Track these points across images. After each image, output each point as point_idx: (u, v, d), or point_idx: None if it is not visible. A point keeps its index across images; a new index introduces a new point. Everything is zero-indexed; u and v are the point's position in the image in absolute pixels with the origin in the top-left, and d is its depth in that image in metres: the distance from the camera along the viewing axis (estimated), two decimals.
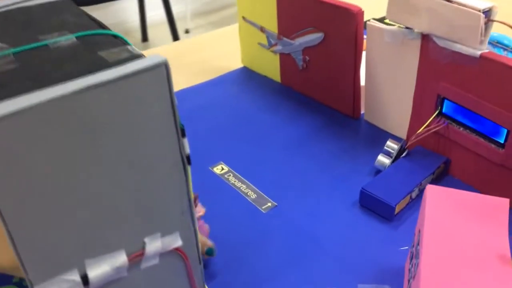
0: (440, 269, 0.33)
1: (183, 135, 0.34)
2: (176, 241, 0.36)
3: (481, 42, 0.46)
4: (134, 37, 2.32)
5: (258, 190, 0.53)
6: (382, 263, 0.45)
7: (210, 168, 0.57)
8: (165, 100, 0.31)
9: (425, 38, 0.50)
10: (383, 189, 0.49)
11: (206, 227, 0.45)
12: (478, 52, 0.46)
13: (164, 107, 0.31)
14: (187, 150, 0.34)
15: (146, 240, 0.35)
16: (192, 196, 0.36)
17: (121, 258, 0.33)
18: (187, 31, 2.29)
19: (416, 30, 0.51)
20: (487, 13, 0.45)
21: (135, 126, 0.30)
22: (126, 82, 0.28)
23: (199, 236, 0.42)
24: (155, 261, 0.36)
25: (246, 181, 0.55)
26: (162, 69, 0.30)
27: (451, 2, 0.46)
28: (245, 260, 0.46)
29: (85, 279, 0.32)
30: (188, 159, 0.35)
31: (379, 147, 0.57)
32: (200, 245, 0.42)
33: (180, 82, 0.74)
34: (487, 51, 0.46)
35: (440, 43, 0.49)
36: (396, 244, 0.47)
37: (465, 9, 0.45)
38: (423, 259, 0.34)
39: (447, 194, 0.38)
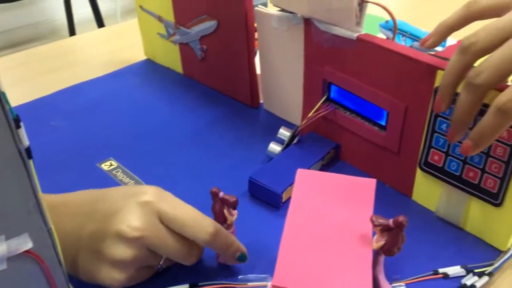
0: (297, 253, 0.32)
1: (18, 126, 0.31)
2: (25, 244, 0.33)
3: (357, 24, 0.45)
4: (61, 36, 2.23)
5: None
6: (265, 253, 0.44)
7: (98, 165, 0.54)
8: None
9: (307, 22, 0.50)
10: (270, 177, 0.48)
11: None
12: (355, 35, 0.46)
13: None
14: (26, 142, 0.31)
15: None
16: (40, 192, 0.33)
17: None
18: None
19: (298, 15, 0.50)
20: None
21: None
22: None
23: (235, 240, 0.40)
24: (2, 266, 0.33)
25: (135, 177, 0.52)
26: None
27: None
28: None
29: None
30: (28, 153, 0.32)
31: (275, 136, 0.56)
32: (233, 248, 0.39)
33: (81, 75, 0.70)
34: (363, 33, 0.46)
35: (321, 26, 0.48)
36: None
37: None
38: (282, 242, 0.32)
39: (315, 177, 0.38)
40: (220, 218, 0.40)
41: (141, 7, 0.69)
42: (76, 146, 0.56)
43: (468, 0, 0.40)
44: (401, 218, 0.32)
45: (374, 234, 0.34)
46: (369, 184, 0.37)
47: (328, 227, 0.34)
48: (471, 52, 0.36)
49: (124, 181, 0.51)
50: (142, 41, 0.73)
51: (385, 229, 0.33)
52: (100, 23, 1.91)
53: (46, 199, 0.39)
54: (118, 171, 0.53)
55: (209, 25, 0.60)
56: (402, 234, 0.33)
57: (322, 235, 0.34)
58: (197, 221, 0.37)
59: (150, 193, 0.37)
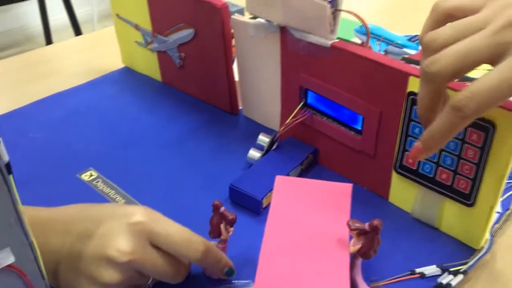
0: (277, 259, 0.33)
1: None
2: (7, 258, 0.33)
3: (332, 32, 0.46)
4: (37, 43, 2.20)
5: (127, 195, 0.51)
6: (248, 258, 0.44)
7: (78, 176, 0.54)
8: None
9: (283, 30, 0.50)
10: (250, 184, 0.49)
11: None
12: (329, 42, 0.47)
13: None
14: (5, 158, 0.32)
15: None
16: (20, 206, 0.33)
17: None
18: None
19: (274, 23, 0.51)
20: (333, 2, 0.45)
21: None
22: None
23: (223, 255, 0.40)
24: None
25: (116, 186, 0.52)
26: None
27: None
28: None
29: None
30: (8, 168, 0.32)
31: (255, 142, 0.57)
32: (222, 264, 0.39)
33: (58, 84, 0.70)
34: (337, 40, 0.47)
35: (296, 34, 0.49)
36: None
37: (312, 0, 0.45)
38: (262, 249, 0.33)
39: (293, 183, 0.38)
40: (216, 232, 0.40)
41: (118, 15, 0.69)
42: (55, 157, 0.56)
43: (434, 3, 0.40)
44: (376, 222, 0.33)
45: (351, 237, 0.35)
46: (346, 189, 0.38)
47: (307, 232, 0.35)
48: (432, 48, 0.34)
49: (104, 191, 0.52)
50: (119, 49, 0.73)
51: (361, 233, 0.34)
52: (76, 29, 1.89)
53: (34, 213, 0.39)
54: (98, 181, 0.53)
55: (186, 33, 0.61)
56: (377, 237, 0.34)
57: (301, 240, 0.35)
58: (188, 241, 0.37)
59: (141, 214, 0.36)
